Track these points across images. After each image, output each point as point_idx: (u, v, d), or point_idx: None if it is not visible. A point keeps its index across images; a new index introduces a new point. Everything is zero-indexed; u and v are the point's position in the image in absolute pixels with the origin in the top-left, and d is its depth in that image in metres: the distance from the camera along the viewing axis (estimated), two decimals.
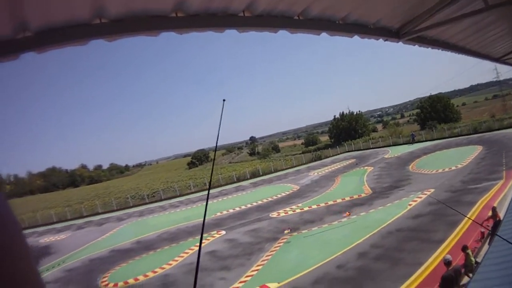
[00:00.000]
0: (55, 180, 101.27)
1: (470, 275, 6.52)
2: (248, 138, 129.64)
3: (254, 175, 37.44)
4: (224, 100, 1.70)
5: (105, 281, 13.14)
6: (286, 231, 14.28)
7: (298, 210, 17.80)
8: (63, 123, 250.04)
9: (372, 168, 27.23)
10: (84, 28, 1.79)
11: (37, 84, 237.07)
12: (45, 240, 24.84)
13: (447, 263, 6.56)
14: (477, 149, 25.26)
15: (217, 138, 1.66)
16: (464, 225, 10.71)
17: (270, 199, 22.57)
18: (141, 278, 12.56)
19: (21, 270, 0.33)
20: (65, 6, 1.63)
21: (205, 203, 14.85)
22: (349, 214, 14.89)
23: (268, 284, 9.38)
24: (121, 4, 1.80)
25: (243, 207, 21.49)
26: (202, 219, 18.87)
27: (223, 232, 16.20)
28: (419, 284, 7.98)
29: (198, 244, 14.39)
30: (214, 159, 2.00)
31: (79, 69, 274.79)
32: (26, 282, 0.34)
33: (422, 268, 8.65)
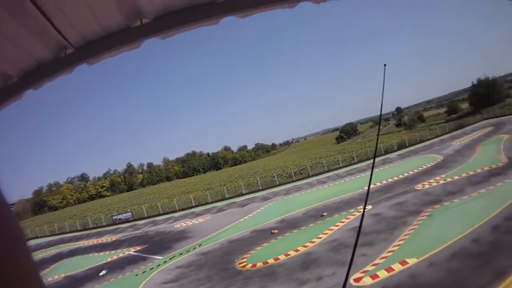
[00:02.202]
0: (195, 165, 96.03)
1: None
2: (394, 109, 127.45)
3: (401, 146, 38.71)
4: (385, 65, 1.60)
5: (243, 262, 12.96)
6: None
7: (441, 182, 17.97)
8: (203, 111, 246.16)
9: (509, 135, 27.28)
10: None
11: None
12: (181, 225, 24.48)
13: None
14: None
15: (381, 105, 1.58)
16: None
17: (416, 170, 22.69)
18: (281, 257, 12.28)
19: (22, 272, 0.34)
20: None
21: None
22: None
23: (408, 260, 9.52)
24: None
25: (389, 180, 21.40)
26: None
27: (369, 207, 16.09)
28: None
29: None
30: (379, 129, 2.11)
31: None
32: (28, 284, 0.34)
33: None
